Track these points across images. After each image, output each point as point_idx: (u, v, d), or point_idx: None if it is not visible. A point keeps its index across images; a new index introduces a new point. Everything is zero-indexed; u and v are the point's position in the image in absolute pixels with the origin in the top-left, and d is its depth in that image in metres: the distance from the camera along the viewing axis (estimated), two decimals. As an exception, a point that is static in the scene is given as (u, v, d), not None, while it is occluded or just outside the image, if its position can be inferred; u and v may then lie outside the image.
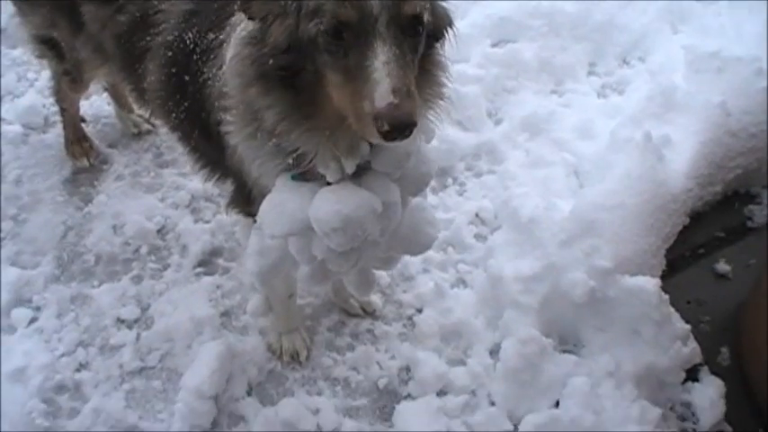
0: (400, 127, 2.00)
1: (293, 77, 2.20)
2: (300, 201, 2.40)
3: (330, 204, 2.34)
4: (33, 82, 4.69)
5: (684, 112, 4.09)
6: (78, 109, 4.28)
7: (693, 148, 3.92)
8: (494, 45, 4.88)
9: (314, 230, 2.41)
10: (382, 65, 1.99)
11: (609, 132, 4.10)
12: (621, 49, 4.99)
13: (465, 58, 4.64)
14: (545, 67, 4.76)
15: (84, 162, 4.28)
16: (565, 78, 4.78)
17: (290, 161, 2.38)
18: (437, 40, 2.35)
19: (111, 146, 4.43)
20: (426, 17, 2.12)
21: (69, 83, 3.90)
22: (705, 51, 4.33)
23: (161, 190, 4.16)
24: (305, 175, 2.42)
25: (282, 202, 2.45)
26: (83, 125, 4.37)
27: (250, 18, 2.23)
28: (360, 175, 2.41)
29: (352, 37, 2.05)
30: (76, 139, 4.27)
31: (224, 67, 2.46)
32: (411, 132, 2.03)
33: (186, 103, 2.80)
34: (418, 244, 2.79)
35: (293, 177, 2.44)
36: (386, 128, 1.99)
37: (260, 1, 2.19)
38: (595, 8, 5.02)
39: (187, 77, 2.75)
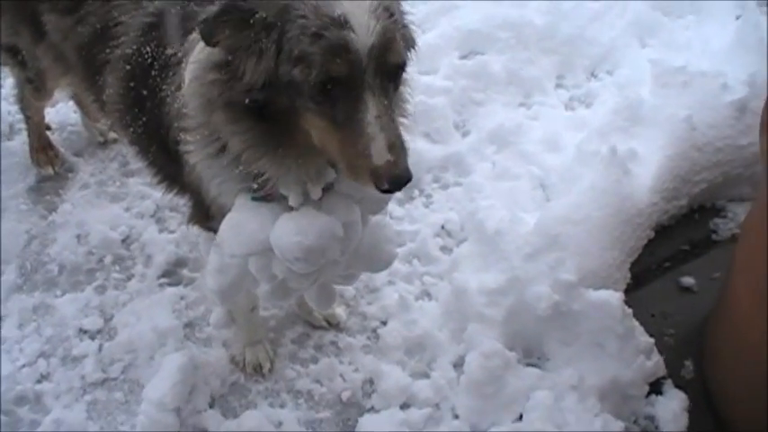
0: (399, 184, 2.05)
1: (262, 107, 2.19)
2: (261, 222, 2.39)
3: (291, 235, 2.33)
4: (-1, 88, 4.66)
5: (650, 125, 4.10)
6: (43, 117, 4.25)
7: (659, 161, 3.93)
8: (462, 57, 4.89)
9: (273, 251, 2.40)
10: (375, 119, 2.03)
11: (575, 145, 4.10)
12: (590, 63, 5.01)
13: (433, 69, 4.66)
14: (513, 79, 4.76)
15: (50, 170, 4.25)
16: (533, 91, 4.79)
17: (252, 183, 2.37)
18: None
19: (76, 154, 4.40)
20: (407, 57, 2.18)
21: (33, 91, 3.88)
22: (672, 66, 4.35)
23: (126, 199, 4.14)
24: (265, 195, 2.41)
25: (242, 223, 2.43)
26: (48, 133, 4.35)
27: (212, 46, 2.20)
28: (321, 195, 2.41)
29: (340, 90, 2.06)
30: (41, 147, 4.24)
31: (183, 87, 2.43)
32: (408, 182, 2.07)
33: (144, 118, 2.77)
34: (379, 261, 2.79)
35: (253, 198, 2.43)
36: (385, 186, 2.04)
37: (227, 35, 2.16)
38: (564, 21, 5.04)
39: (145, 92, 2.73)
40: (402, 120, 2.41)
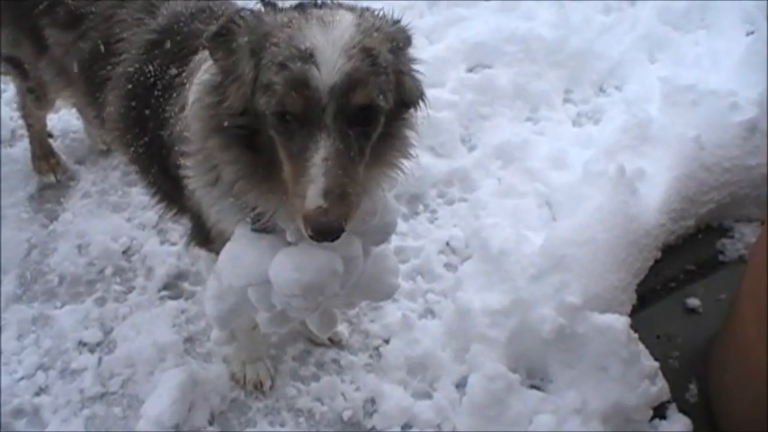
0: (323, 234, 2.00)
1: (252, 136, 2.17)
2: (259, 254, 2.37)
3: (289, 272, 2.30)
4: (1, 94, 4.63)
5: (659, 145, 4.07)
6: (45, 125, 4.23)
7: (667, 182, 3.90)
8: (469, 70, 4.87)
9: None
10: (321, 161, 1.97)
11: (582, 163, 4.07)
12: (598, 77, 4.98)
13: (440, 82, 4.62)
14: (520, 93, 4.74)
15: (51, 178, 4.23)
16: (540, 105, 4.76)
17: (249, 216, 2.35)
18: (408, 109, 2.31)
19: (78, 162, 4.38)
20: (382, 103, 2.07)
21: (34, 100, 3.86)
22: (681, 84, 4.31)
23: (128, 210, 4.11)
24: (265, 227, 2.37)
25: (241, 255, 2.41)
26: (50, 140, 4.32)
27: (215, 60, 2.20)
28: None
29: (296, 124, 2.02)
30: (43, 155, 4.22)
31: (186, 110, 2.40)
32: (337, 237, 2.02)
33: (146, 139, 2.75)
34: (380, 293, 2.77)
35: (253, 229, 2.39)
36: (309, 233, 2.00)
37: (223, 53, 2.16)
38: (573, 35, 5.01)
39: (147, 112, 2.70)
40: (403, 161, 2.37)
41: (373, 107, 2.07)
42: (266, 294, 2.46)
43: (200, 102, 2.27)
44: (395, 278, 2.73)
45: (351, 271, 2.44)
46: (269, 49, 2.05)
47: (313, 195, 1.95)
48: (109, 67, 2.88)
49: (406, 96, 2.24)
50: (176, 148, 2.50)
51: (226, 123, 2.15)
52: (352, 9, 2.17)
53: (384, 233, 2.57)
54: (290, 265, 2.30)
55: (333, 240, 2.03)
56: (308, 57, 1.96)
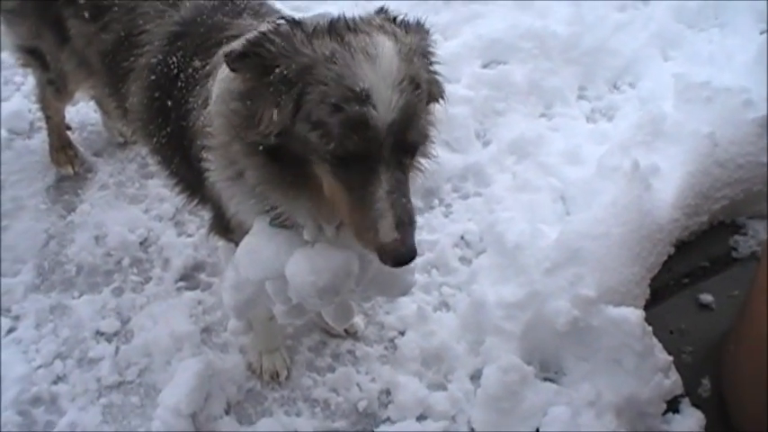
0: (403, 262, 2.06)
1: (277, 148, 2.16)
2: (276, 250, 2.39)
3: (305, 274, 2.33)
4: (20, 86, 4.66)
5: (673, 141, 4.08)
6: (63, 117, 4.25)
7: (681, 177, 3.91)
8: (484, 66, 4.88)
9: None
10: (386, 194, 2.01)
11: (597, 159, 4.08)
12: (612, 74, 4.99)
13: (455, 78, 4.63)
14: (535, 89, 4.75)
15: (69, 170, 4.25)
16: (554, 101, 4.77)
17: (268, 211, 2.38)
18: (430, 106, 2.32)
19: (96, 154, 4.40)
20: (428, 126, 2.19)
21: (54, 92, 3.88)
22: (695, 81, 4.32)
23: (145, 201, 4.14)
24: (284, 221, 2.40)
25: (258, 249, 2.43)
26: (68, 132, 4.34)
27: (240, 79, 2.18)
28: (339, 226, 2.38)
29: (356, 160, 2.03)
30: (61, 147, 4.24)
31: (209, 105, 2.41)
32: (413, 259, 2.08)
33: (168, 129, 2.76)
34: (396, 289, 2.78)
35: (272, 224, 2.42)
36: (389, 264, 2.06)
37: (248, 77, 2.14)
38: (587, 32, 5.02)
39: (170, 103, 2.72)
40: (423, 163, 2.40)
41: (422, 142, 2.14)
42: (282, 288, 2.47)
43: (226, 104, 2.26)
44: (411, 275, 2.74)
45: (366, 267, 2.46)
46: (315, 85, 2.02)
47: (386, 229, 2.01)
48: (132, 59, 2.90)
49: (432, 97, 2.26)
50: (198, 141, 2.51)
51: (260, 147, 2.15)
52: (382, 28, 2.13)
53: None
54: (306, 268, 2.32)
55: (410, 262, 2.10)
56: (365, 98, 1.96)
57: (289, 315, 2.72)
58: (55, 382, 3.46)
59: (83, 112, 4.56)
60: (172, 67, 2.72)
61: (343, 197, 2.10)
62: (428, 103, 2.24)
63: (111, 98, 3.25)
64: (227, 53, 2.13)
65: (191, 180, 2.89)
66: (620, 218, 3.65)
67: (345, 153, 2.02)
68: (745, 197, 4.08)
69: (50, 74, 3.73)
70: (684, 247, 4.00)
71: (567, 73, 4.88)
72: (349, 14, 2.20)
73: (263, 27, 2.16)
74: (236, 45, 2.17)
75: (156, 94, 2.78)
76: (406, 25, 2.20)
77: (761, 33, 4.96)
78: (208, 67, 2.57)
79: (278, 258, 2.40)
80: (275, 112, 2.07)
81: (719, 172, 4.00)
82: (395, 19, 2.21)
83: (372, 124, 1.97)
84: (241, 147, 2.21)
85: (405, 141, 2.04)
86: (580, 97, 4.90)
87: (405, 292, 2.84)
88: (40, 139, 4.35)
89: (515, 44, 4.90)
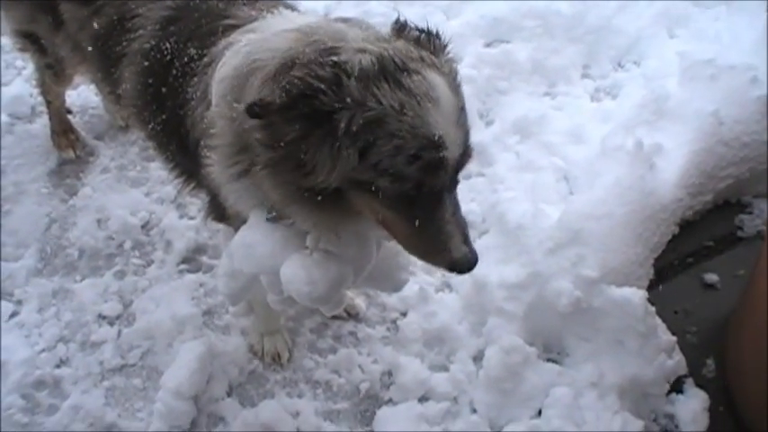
0: (473, 268, 2.24)
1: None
2: (272, 248, 2.42)
3: (302, 284, 2.36)
4: (21, 70, 4.64)
5: (677, 119, 4.05)
6: (64, 101, 4.24)
7: (685, 156, 3.88)
8: (487, 45, 4.85)
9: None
10: (451, 216, 2.17)
11: (600, 138, 4.05)
12: (616, 53, 4.94)
13: (457, 57, 4.57)
14: (538, 68, 4.72)
15: (71, 154, 4.25)
16: (558, 80, 4.74)
17: (266, 206, 2.41)
18: None
19: (97, 138, 4.39)
20: None
21: (52, 76, 3.86)
22: (700, 59, 4.28)
23: (147, 184, 4.13)
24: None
25: (254, 244, 2.45)
26: (69, 116, 4.33)
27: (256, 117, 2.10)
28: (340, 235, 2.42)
29: (425, 195, 2.12)
30: (62, 131, 4.24)
31: (210, 102, 2.40)
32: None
33: (164, 116, 2.73)
34: (388, 286, 2.86)
35: (268, 219, 2.43)
36: (462, 272, 2.24)
37: (296, 129, 2.05)
38: (591, 10, 4.97)
39: (165, 90, 2.68)
40: None
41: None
42: (276, 282, 2.48)
43: (228, 102, 2.28)
44: (405, 274, 2.79)
45: (363, 268, 2.51)
46: (387, 138, 2.01)
47: (457, 246, 2.17)
48: (124, 43, 2.86)
49: None
50: (196, 130, 2.52)
51: (306, 194, 2.17)
52: (425, 61, 2.12)
53: None
54: (303, 278, 2.36)
55: None
56: (441, 144, 2.03)
57: (282, 304, 2.73)
58: (58, 366, 3.47)
59: (84, 95, 4.54)
60: (165, 53, 2.68)
61: (404, 226, 2.19)
62: None
63: (104, 83, 3.22)
64: (256, 104, 2.05)
65: (187, 166, 2.87)
66: (624, 198, 3.63)
67: (420, 193, 2.10)
68: (750, 176, 4.05)
69: (48, 58, 3.71)
70: (689, 227, 3.99)
71: (571, 51, 4.84)
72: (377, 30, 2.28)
73: (300, 71, 2.05)
74: (272, 96, 2.06)
75: (150, 81, 2.74)
76: (434, 45, 2.24)
77: (766, 11, 4.89)
78: (206, 59, 2.53)
79: (273, 257, 2.42)
80: (334, 162, 2.06)
81: (724, 151, 3.97)
82: (418, 39, 2.22)
83: (446, 165, 2.08)
84: (267, 173, 2.19)
85: (463, 167, 2.18)
86: (584, 76, 4.86)
87: (397, 289, 2.92)
88: (42, 124, 4.35)
89: (518, 23, 4.86)
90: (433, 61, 2.15)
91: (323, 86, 2.00)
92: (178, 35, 2.69)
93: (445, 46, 2.29)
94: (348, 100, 2.00)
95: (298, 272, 2.36)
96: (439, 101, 2.04)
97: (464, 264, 2.20)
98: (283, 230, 2.41)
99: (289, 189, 2.18)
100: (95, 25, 2.99)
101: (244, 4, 2.70)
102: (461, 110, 2.13)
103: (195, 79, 2.56)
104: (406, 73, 2.05)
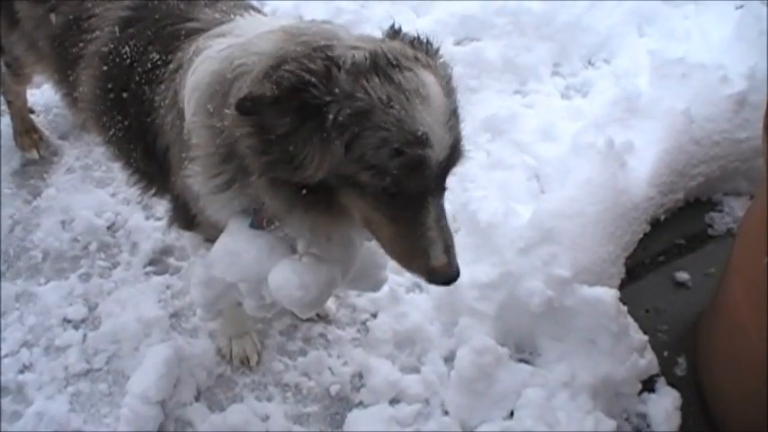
0: (453, 281, 2.20)
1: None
2: (257, 254, 2.39)
3: (293, 289, 2.34)
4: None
5: (648, 117, 4.05)
6: (26, 101, 4.17)
7: (656, 155, 3.88)
8: (457, 43, 4.82)
9: (266, 281, 2.40)
10: (434, 223, 2.12)
11: (571, 136, 4.04)
12: (587, 51, 4.93)
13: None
14: (509, 66, 4.69)
15: (34, 154, 4.18)
16: (528, 78, 4.72)
17: (251, 210, 2.38)
18: None
19: (62, 137, 4.33)
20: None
21: (11, 75, 3.79)
22: (670, 57, 4.30)
23: (112, 185, 4.07)
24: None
25: (238, 251, 2.42)
26: (33, 116, 4.27)
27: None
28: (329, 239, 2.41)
29: (407, 196, 2.08)
30: (25, 131, 4.17)
31: (183, 113, 2.35)
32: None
33: (126, 123, 2.67)
34: (367, 286, 2.86)
35: (252, 225, 2.40)
36: (439, 284, 2.22)
37: (287, 122, 2.04)
38: (562, 8, 4.96)
39: (126, 96, 2.62)
40: None
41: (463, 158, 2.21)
42: (257, 288, 2.48)
43: (208, 116, 2.25)
44: (383, 272, 2.80)
45: (348, 270, 2.51)
46: (373, 130, 1.99)
47: (437, 255, 2.12)
48: (81, 45, 2.78)
49: None
50: (166, 137, 2.48)
51: (302, 191, 2.14)
52: (419, 61, 2.11)
53: None
54: (295, 283, 2.34)
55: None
56: (425, 141, 1.99)
57: (259, 310, 2.70)
58: (21, 372, 3.40)
59: (47, 94, 4.42)
60: (125, 57, 2.60)
61: (387, 227, 2.17)
62: None
63: (60, 85, 3.14)
64: (248, 97, 2.03)
65: (151, 172, 2.80)
66: (595, 196, 3.63)
67: (400, 190, 2.05)
68: (721, 174, 4.07)
69: (5, 57, 3.62)
70: (660, 225, 4.00)
71: (542, 49, 4.82)
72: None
73: (291, 65, 2.04)
74: (263, 89, 2.04)
75: (110, 86, 2.66)
76: (427, 49, 2.22)
77: (736, 9, 4.91)
78: (172, 65, 2.47)
79: (259, 264, 2.40)
80: (323, 156, 2.04)
81: (695, 149, 3.98)
82: (413, 42, 2.21)
83: (430, 164, 2.03)
84: (264, 181, 2.16)
85: (449, 171, 2.15)
86: (554, 74, 4.85)
87: (377, 287, 2.91)
88: (5, 124, 4.27)
89: (489, 20, 4.83)
90: (428, 62, 2.14)
91: (314, 80, 2.00)
92: (138, 38, 2.62)
93: (437, 50, 2.26)
94: (337, 92, 2.00)
95: (289, 277, 2.34)
96: (428, 99, 2.02)
97: (442, 274, 2.15)
98: (268, 237, 2.40)
99: (288, 194, 2.15)
100: (51, 24, 2.92)
101: (205, 6, 2.64)
102: (452, 112, 2.10)
103: (162, 86, 2.50)
104: (398, 69, 2.04)
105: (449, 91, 2.15)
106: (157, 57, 2.53)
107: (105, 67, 2.68)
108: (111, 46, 2.67)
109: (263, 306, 2.64)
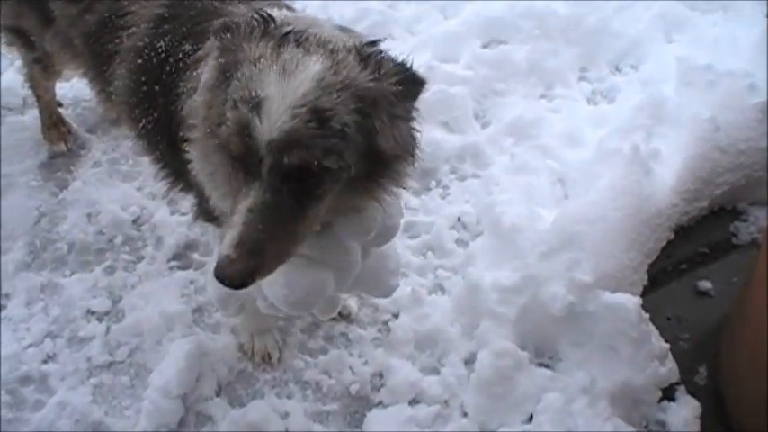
0: (221, 281, 2.00)
1: None
2: None
3: (278, 287, 2.34)
4: (13, 60, 4.55)
5: (674, 124, 4.03)
6: (54, 95, 4.20)
7: (681, 162, 3.87)
8: (484, 46, 4.81)
9: None
10: (245, 210, 1.97)
11: (596, 141, 4.04)
12: (614, 56, 4.91)
13: (454, 58, 4.59)
14: (535, 70, 4.69)
15: (62, 147, 4.21)
16: (555, 83, 4.71)
17: None
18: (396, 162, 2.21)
19: (89, 131, 4.35)
20: (331, 164, 1.99)
21: (41, 71, 3.82)
22: (698, 64, 4.28)
23: (138, 179, 4.09)
24: None
25: None
26: (61, 109, 4.30)
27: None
28: (320, 233, 2.33)
29: (240, 168, 2.02)
30: (53, 124, 4.20)
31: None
32: (244, 286, 2.03)
33: (155, 114, 2.70)
34: (377, 290, 2.83)
35: None
36: (215, 276, 2.00)
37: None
38: (589, 12, 4.95)
39: (158, 88, 2.65)
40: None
41: (315, 170, 2.00)
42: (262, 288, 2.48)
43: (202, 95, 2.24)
44: (394, 278, 2.76)
45: (347, 275, 2.47)
46: (235, 79, 2.02)
47: (225, 243, 1.97)
48: (116, 41, 2.82)
49: (396, 148, 2.13)
50: (183, 125, 2.46)
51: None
52: (330, 52, 2.03)
53: (385, 237, 2.56)
54: (281, 281, 2.32)
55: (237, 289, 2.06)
56: (256, 105, 1.93)
57: (270, 308, 2.70)
58: (45, 362, 3.43)
59: (77, 88, 4.48)
60: (160, 51, 2.64)
61: (223, 181, 2.19)
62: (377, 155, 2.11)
63: (94, 82, 3.17)
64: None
65: (176, 166, 2.80)
66: (619, 202, 3.62)
67: (229, 152, 2.02)
68: (746, 183, 4.04)
69: (36, 53, 3.66)
70: (683, 233, 3.96)
71: (568, 54, 4.81)
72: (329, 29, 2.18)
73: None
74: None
75: (143, 79, 2.70)
76: (378, 66, 2.06)
77: (765, 17, 4.89)
78: (200, 53, 2.50)
79: None
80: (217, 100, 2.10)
81: (720, 157, 3.95)
82: (369, 55, 2.07)
83: (253, 135, 1.93)
84: (217, 158, 2.20)
85: (282, 165, 1.95)
86: (581, 79, 4.83)
87: (387, 294, 2.88)
88: (33, 116, 4.29)
89: (516, 23, 4.83)
90: (339, 60, 2.02)
91: (231, 29, 2.12)
92: (173, 33, 2.65)
93: (408, 78, 2.11)
94: (236, 43, 2.08)
95: (277, 276, 2.29)
96: (289, 75, 1.95)
97: (218, 267, 1.98)
98: None
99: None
100: (86, 22, 2.95)
101: (240, 3, 2.67)
102: (312, 109, 1.93)
103: (187, 74, 2.53)
104: (293, 44, 2.02)
105: (330, 91, 1.96)
106: (189, 48, 2.56)
107: (140, 61, 2.72)
108: (147, 41, 2.71)
109: (272, 305, 2.65)
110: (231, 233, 1.96)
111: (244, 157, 1.98)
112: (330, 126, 1.96)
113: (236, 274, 1.97)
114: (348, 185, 2.13)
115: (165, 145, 2.74)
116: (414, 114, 2.20)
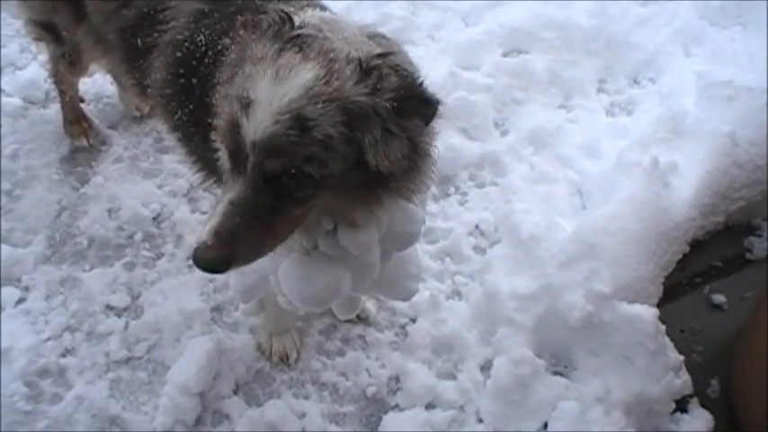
0: (199, 266, 2.07)
1: None
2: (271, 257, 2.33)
3: (294, 281, 2.37)
4: (36, 55, 4.59)
5: (693, 139, 4.05)
6: (77, 91, 4.22)
7: (699, 176, 3.88)
8: (505, 54, 4.83)
9: None
10: (227, 201, 2.04)
11: (615, 153, 4.06)
12: (633, 68, 4.94)
13: (475, 65, 4.61)
14: (555, 80, 4.71)
15: (83, 142, 4.22)
16: (574, 93, 4.73)
17: None
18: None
19: (111, 127, 4.37)
20: (312, 171, 2.02)
21: (67, 66, 3.83)
22: (717, 79, 4.29)
23: (159, 176, 4.11)
24: None
25: None
26: (83, 104, 4.32)
27: None
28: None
29: (233, 162, 2.07)
30: (75, 119, 4.22)
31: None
32: (218, 272, 2.11)
33: (191, 106, 2.72)
34: (397, 294, 2.83)
35: None
36: (192, 261, 2.08)
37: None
38: (609, 25, 4.97)
39: (195, 80, 2.67)
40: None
41: (293, 175, 2.03)
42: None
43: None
44: (414, 283, 2.76)
45: (365, 277, 2.49)
46: (239, 75, 2.09)
47: (204, 228, 2.03)
48: (155, 35, 2.85)
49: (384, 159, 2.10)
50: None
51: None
52: (328, 60, 2.03)
53: (406, 242, 2.57)
54: (297, 275, 2.37)
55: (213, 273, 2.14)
56: (246, 106, 1.99)
57: (290, 304, 2.71)
58: (63, 355, 3.45)
59: (99, 83, 4.51)
60: (199, 44, 2.67)
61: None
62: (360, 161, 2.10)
63: (129, 75, 3.18)
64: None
65: (209, 158, 2.82)
66: (638, 214, 3.63)
67: (224, 143, 2.09)
68: (762, 199, 4.05)
69: (64, 47, 3.68)
70: (699, 247, 3.98)
71: (588, 65, 4.83)
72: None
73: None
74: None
75: (181, 71, 2.73)
76: (378, 80, 2.04)
77: (784, 33, 4.91)
78: (238, 45, 2.53)
79: (272, 266, 2.45)
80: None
81: (738, 172, 3.97)
82: (372, 68, 2.05)
83: (241, 133, 2.00)
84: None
85: (263, 166, 2.00)
86: (600, 90, 4.85)
87: (406, 298, 2.90)
88: (55, 110, 4.31)
89: (537, 33, 4.85)
90: (334, 69, 2.02)
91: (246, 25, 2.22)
92: (212, 28, 2.69)
93: (411, 94, 2.07)
94: (245, 40, 2.17)
95: (293, 269, 2.36)
96: (282, 80, 1.98)
97: (196, 252, 2.03)
98: None
99: None
100: (124, 17, 2.98)
101: (279, 2, 2.69)
102: (296, 117, 1.95)
103: (224, 63, 2.55)
104: (296, 49, 2.05)
105: (316, 101, 1.97)
106: (228, 41, 2.56)
107: (179, 54, 2.75)
108: (186, 34, 2.74)
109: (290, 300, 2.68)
110: (212, 221, 2.02)
111: (234, 152, 2.05)
112: (311, 135, 1.98)
113: (210, 261, 2.04)
114: (343, 193, 2.17)
115: (200, 138, 2.76)
116: (422, 134, 2.17)
